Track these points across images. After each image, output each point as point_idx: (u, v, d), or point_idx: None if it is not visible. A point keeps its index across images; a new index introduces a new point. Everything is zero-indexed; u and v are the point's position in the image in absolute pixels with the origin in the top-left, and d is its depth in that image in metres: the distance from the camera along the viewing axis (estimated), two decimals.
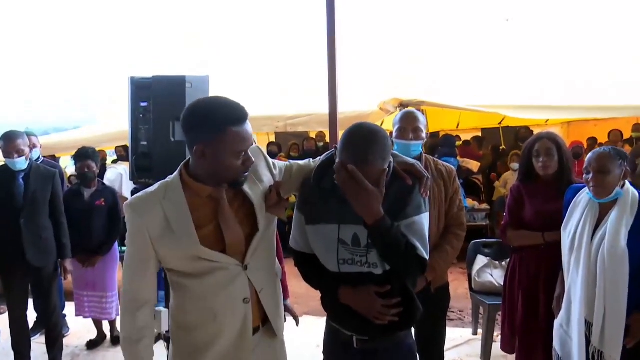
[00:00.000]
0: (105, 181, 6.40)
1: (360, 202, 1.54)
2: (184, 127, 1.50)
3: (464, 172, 6.98)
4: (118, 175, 6.87)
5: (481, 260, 3.82)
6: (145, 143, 2.57)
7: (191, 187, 1.55)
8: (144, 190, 1.58)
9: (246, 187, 1.61)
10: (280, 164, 1.85)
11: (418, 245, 1.64)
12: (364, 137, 1.54)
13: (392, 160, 1.65)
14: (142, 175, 2.58)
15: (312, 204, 1.74)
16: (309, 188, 1.76)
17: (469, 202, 6.55)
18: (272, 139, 9.33)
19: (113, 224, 4.02)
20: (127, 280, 1.57)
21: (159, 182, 1.59)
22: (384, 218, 1.57)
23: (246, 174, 1.56)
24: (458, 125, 9.90)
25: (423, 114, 2.56)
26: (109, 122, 7.53)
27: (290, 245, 1.88)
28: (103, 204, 3.99)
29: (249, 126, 1.50)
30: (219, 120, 1.44)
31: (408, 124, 2.36)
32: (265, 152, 1.77)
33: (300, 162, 1.91)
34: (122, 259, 5.05)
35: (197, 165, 1.52)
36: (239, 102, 1.52)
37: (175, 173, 1.59)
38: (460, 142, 8.84)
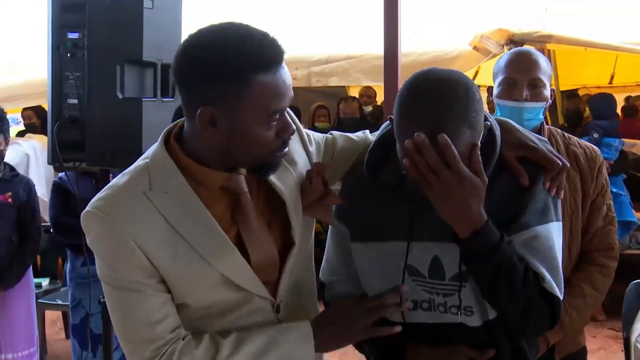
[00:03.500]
0: None
1: (452, 199, 1.55)
2: (177, 78, 1.54)
3: (629, 162, 6.83)
4: (22, 158, 7.03)
5: None
6: (75, 102, 2.64)
7: (191, 172, 1.58)
8: (108, 186, 1.59)
9: (272, 175, 1.64)
10: (316, 135, 1.88)
11: (546, 274, 1.65)
12: (434, 90, 1.53)
13: (496, 133, 1.67)
14: (69, 155, 2.65)
15: (364, 209, 1.77)
16: (359, 182, 1.79)
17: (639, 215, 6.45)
18: None
19: (26, 235, 4.13)
20: (126, 328, 1.59)
21: (130, 169, 1.61)
22: (487, 226, 1.59)
23: (283, 151, 1.59)
24: (612, 78, 9.74)
25: (548, 57, 2.54)
26: (14, 68, 7.70)
27: (321, 279, 1.91)
28: (10, 201, 4.09)
29: (286, 72, 1.53)
30: (237, 64, 1.46)
31: (521, 71, 2.35)
32: (295, 117, 1.78)
33: (350, 135, 1.95)
34: (41, 295, 5.22)
35: (201, 138, 1.55)
36: (266, 31, 1.52)
37: (158, 148, 1.61)
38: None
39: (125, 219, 1.52)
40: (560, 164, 1.71)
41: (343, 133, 1.95)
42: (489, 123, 1.62)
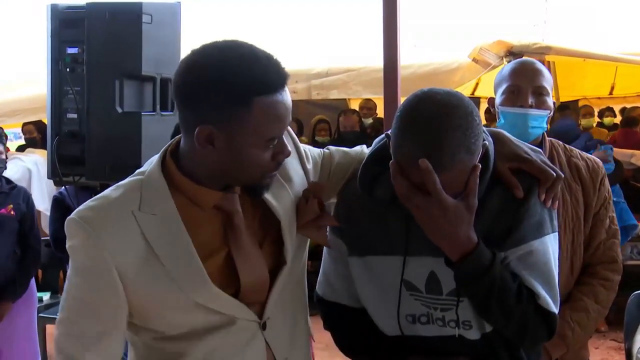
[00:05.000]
0: None
1: (436, 226, 1.55)
2: (178, 95, 1.52)
3: (625, 171, 6.82)
4: (24, 173, 7.05)
5: None
6: (74, 116, 2.65)
7: (185, 190, 1.57)
8: (100, 196, 1.58)
9: (268, 194, 1.63)
10: (314, 151, 1.86)
11: (541, 291, 1.64)
12: (432, 116, 1.50)
13: (489, 147, 1.65)
14: (68, 170, 2.65)
15: (360, 224, 1.77)
16: (354, 196, 1.78)
17: None
18: None
19: (28, 248, 4.13)
20: (75, 355, 1.56)
21: (124, 183, 1.60)
22: (477, 249, 1.57)
23: (275, 173, 1.59)
24: (612, 89, 9.75)
25: (547, 69, 2.54)
26: (14, 82, 7.73)
27: (318, 293, 1.91)
28: (12, 213, 4.10)
29: (288, 96, 1.52)
30: (241, 86, 1.45)
31: (525, 79, 2.33)
32: (294, 133, 1.78)
33: (347, 150, 1.94)
34: (42, 309, 5.22)
35: (197, 156, 1.54)
36: (269, 52, 1.51)
37: (154, 166, 1.59)
38: (615, 119, 8.69)
39: (109, 237, 1.50)
40: (555, 174, 1.70)
41: (340, 147, 1.93)
42: (487, 143, 1.60)
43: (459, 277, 1.61)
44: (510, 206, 1.65)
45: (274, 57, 1.51)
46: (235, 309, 1.60)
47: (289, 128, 1.72)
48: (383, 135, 1.78)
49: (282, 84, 1.49)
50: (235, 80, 1.45)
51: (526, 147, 1.75)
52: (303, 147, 1.82)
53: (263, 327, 1.65)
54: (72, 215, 1.53)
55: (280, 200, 1.66)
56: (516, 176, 1.68)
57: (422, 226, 1.57)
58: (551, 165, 1.73)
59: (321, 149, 1.90)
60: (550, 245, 1.69)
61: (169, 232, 1.53)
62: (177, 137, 1.63)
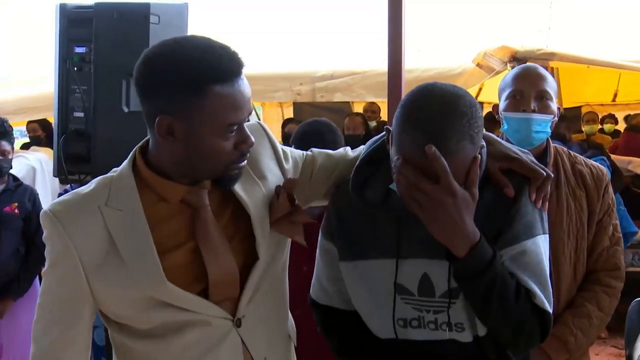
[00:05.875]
0: None
1: (445, 215, 1.53)
2: (138, 88, 1.56)
3: (622, 182, 6.83)
4: (29, 171, 7.05)
5: None
6: (81, 115, 2.66)
7: (152, 185, 1.60)
8: (73, 191, 1.63)
9: (239, 188, 1.65)
10: (295, 153, 1.87)
11: (536, 289, 1.63)
12: (438, 103, 1.52)
13: (483, 147, 1.65)
14: (75, 168, 2.67)
15: (351, 227, 1.78)
16: (346, 199, 1.79)
17: None
18: (289, 114, 9.39)
19: (32, 246, 4.14)
20: (39, 338, 1.59)
21: (98, 179, 1.65)
22: (482, 242, 1.57)
23: (241, 164, 1.60)
24: (615, 96, 9.75)
25: (551, 74, 2.55)
26: (20, 80, 7.74)
27: (312, 296, 1.92)
28: (16, 212, 4.11)
29: (245, 85, 1.55)
30: (195, 74, 1.48)
31: (528, 84, 2.36)
32: (272, 133, 1.81)
33: (330, 152, 1.94)
34: None
35: (161, 149, 1.57)
36: (228, 45, 1.55)
37: (125, 163, 1.64)
38: (615, 126, 8.69)
39: (74, 231, 1.55)
40: (544, 173, 1.70)
41: (323, 150, 1.94)
42: (482, 143, 1.61)
43: (463, 272, 1.59)
44: (501, 206, 1.66)
45: (231, 48, 1.54)
46: (202, 307, 1.61)
47: (266, 127, 1.78)
48: (376, 138, 1.79)
49: (237, 72, 1.52)
50: (189, 68, 1.48)
51: (515, 147, 1.76)
52: (283, 147, 1.83)
53: (237, 324, 1.65)
54: (45, 208, 1.59)
55: (251, 196, 1.67)
56: (507, 177, 1.68)
57: (427, 221, 1.55)
58: (541, 165, 1.73)
59: (304, 151, 1.91)
60: (542, 245, 1.69)
61: (131, 227, 1.56)
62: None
